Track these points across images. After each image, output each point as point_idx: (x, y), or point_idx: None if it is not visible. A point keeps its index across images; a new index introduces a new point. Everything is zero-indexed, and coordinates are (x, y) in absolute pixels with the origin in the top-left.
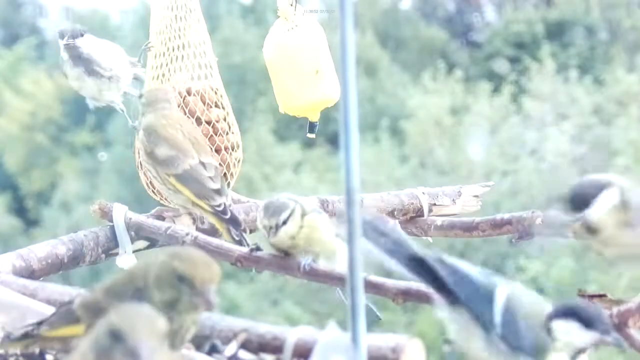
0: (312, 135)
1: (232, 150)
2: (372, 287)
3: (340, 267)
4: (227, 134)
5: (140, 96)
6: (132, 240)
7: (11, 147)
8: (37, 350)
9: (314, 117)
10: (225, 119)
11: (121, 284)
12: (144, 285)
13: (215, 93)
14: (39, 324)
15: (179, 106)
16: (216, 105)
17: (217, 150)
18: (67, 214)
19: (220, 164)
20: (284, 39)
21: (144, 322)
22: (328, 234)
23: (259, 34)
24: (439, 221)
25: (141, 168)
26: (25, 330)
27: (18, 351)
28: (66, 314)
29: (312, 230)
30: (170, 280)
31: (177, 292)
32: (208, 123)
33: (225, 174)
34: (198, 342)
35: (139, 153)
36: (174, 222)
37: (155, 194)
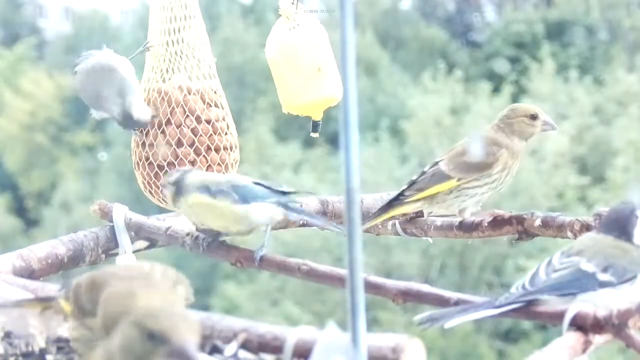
0: (316, 135)
1: (231, 150)
2: (372, 287)
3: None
4: (225, 134)
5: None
6: (132, 241)
7: (11, 147)
8: (37, 351)
9: (317, 116)
10: (224, 119)
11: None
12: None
13: (215, 93)
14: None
15: (178, 105)
16: (215, 105)
17: (217, 150)
18: (67, 214)
19: (219, 163)
20: (286, 38)
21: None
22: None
23: (259, 34)
24: (438, 221)
25: (138, 168)
26: (58, 292)
27: (18, 351)
28: (69, 287)
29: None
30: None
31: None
32: (208, 122)
33: (223, 174)
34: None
35: (135, 153)
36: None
37: (152, 194)
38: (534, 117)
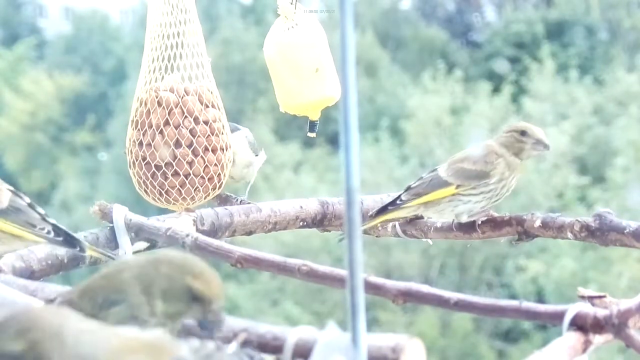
0: (313, 135)
1: (226, 150)
2: (372, 288)
3: None
4: (222, 133)
5: None
6: (132, 242)
7: (11, 147)
8: None
9: (315, 116)
10: (220, 119)
11: (97, 285)
12: (132, 292)
13: (211, 93)
14: None
15: (176, 106)
16: (212, 106)
17: (214, 150)
18: (67, 214)
19: (215, 164)
20: (284, 37)
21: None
22: None
23: (259, 34)
24: (438, 223)
25: (133, 167)
26: None
27: None
28: None
29: None
30: (181, 297)
31: (187, 308)
32: (205, 123)
33: (219, 174)
34: None
35: (131, 152)
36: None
37: (147, 193)
38: (523, 133)
